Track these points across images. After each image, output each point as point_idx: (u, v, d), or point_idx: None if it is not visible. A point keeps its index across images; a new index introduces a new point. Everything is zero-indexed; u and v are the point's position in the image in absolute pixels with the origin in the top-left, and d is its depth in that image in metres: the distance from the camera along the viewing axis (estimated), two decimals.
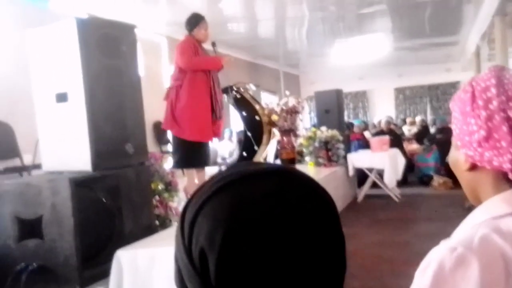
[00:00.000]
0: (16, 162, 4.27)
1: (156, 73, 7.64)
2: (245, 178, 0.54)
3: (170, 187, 2.75)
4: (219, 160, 8.04)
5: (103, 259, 2.25)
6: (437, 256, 0.75)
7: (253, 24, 9.53)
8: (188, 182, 4.03)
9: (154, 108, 4.36)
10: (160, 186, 2.69)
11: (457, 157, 0.87)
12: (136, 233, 2.41)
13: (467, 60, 12.73)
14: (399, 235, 5.02)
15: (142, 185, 2.49)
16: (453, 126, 0.87)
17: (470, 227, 0.78)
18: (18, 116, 5.17)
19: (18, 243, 2.12)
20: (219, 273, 0.50)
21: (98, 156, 2.29)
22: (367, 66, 13.42)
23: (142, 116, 2.56)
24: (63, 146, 2.36)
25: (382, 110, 14.34)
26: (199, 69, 4.23)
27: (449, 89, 14.59)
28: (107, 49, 2.39)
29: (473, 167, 0.83)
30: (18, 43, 5.64)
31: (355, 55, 12.23)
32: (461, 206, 5.82)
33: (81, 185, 2.16)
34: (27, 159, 4.40)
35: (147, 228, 2.51)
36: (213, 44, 4.57)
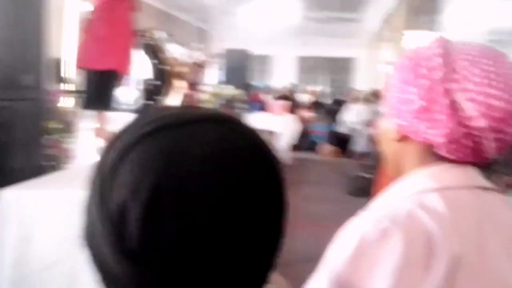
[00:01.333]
0: None
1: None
2: (181, 123, 0.46)
3: (67, 127, 2.61)
4: (123, 106, 7.74)
5: None
6: (360, 228, 0.71)
7: None
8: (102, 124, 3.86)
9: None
10: (57, 126, 2.54)
11: (387, 126, 0.83)
12: (26, 171, 2.27)
13: (368, 39, 13.40)
14: (289, 198, 5.25)
15: (35, 121, 2.34)
16: (389, 94, 0.82)
17: (396, 200, 0.76)
18: None
19: None
20: (141, 232, 0.42)
21: None
22: (275, 31, 13.55)
23: (44, 49, 2.38)
24: None
25: (285, 76, 14.67)
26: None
27: (347, 64, 15.35)
28: None
29: (403, 138, 0.79)
30: None
31: (265, 18, 12.28)
32: (344, 173, 6.27)
33: None
34: None
35: (37, 168, 2.37)
36: None
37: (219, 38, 14.67)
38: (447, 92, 0.72)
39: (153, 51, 5.16)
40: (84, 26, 4.03)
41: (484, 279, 0.69)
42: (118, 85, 4.39)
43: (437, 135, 0.73)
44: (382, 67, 13.63)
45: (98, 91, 4.15)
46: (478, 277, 0.69)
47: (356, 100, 9.10)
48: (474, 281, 0.68)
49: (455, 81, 0.72)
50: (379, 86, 12.12)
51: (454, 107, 0.72)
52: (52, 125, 2.49)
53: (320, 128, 8.98)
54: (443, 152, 0.75)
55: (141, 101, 6.46)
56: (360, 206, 0.80)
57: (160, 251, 0.42)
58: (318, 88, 12.54)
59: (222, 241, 0.44)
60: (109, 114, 4.36)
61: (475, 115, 0.71)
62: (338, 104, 9.59)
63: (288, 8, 11.68)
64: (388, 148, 0.85)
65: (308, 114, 9.53)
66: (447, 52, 0.76)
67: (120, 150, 0.44)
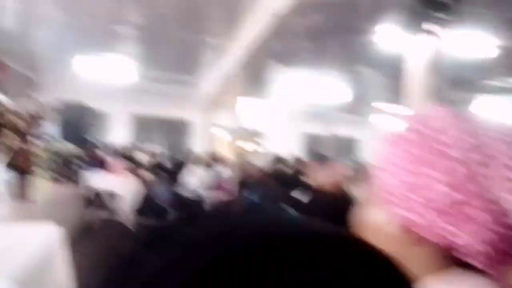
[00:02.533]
0: None
1: None
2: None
3: None
4: None
5: None
6: None
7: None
8: None
9: None
10: None
11: (382, 218, 0.63)
12: None
13: (203, 102, 13.76)
14: None
15: None
16: (384, 175, 0.63)
17: None
18: None
19: None
20: None
21: None
22: (109, 87, 13.07)
23: None
24: None
25: (118, 134, 14.09)
26: None
27: (182, 126, 15.46)
28: None
29: (409, 236, 0.60)
30: None
31: (100, 74, 11.80)
32: None
33: None
34: None
35: None
36: None
37: (49, 89, 13.55)
38: (484, 180, 0.56)
39: None
40: None
41: None
42: None
43: (468, 236, 0.56)
44: (217, 130, 14.05)
45: None
46: None
47: (196, 163, 9.08)
48: None
49: (490, 167, 0.57)
50: (214, 149, 12.40)
51: (492, 200, 0.55)
52: None
53: (161, 191, 8.65)
54: (470, 259, 0.57)
55: None
56: None
57: None
58: (157, 148, 12.26)
59: None
60: None
61: None
62: (178, 166, 9.45)
63: (125, 64, 11.43)
64: (383, 247, 0.67)
65: (148, 175, 9.15)
66: (473, 129, 0.60)
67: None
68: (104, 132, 14.43)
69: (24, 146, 4.51)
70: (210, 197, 7.98)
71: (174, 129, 15.56)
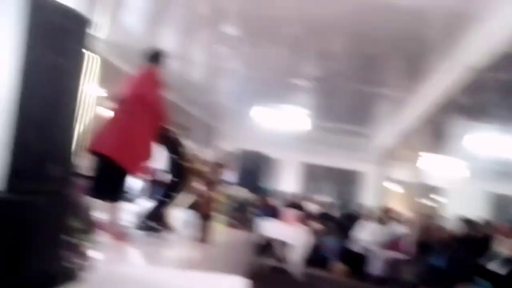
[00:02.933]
0: None
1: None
2: None
3: (87, 227, 2.21)
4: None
5: None
6: None
7: (188, 65, 9.25)
8: (111, 217, 3.56)
9: None
10: (76, 224, 2.13)
11: None
12: (36, 279, 1.84)
13: (377, 154, 13.34)
14: None
15: (58, 219, 1.95)
16: None
17: None
18: None
19: None
20: None
21: (16, 172, 1.74)
22: (282, 136, 13.53)
23: (72, 133, 2.05)
24: None
25: (288, 182, 14.42)
26: (158, 111, 3.99)
27: (354, 177, 15.15)
28: (54, 41, 1.89)
29: None
30: None
31: (273, 122, 12.31)
32: None
33: None
34: None
35: (49, 275, 1.94)
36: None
37: (228, 137, 14.64)
38: None
39: (173, 145, 4.90)
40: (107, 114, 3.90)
41: None
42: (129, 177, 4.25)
43: None
44: (391, 184, 13.46)
45: (109, 181, 3.89)
46: None
47: (369, 217, 8.71)
48: None
49: None
50: (387, 203, 11.85)
51: None
52: (73, 224, 2.09)
53: (330, 243, 8.50)
54: None
55: (155, 196, 6.17)
56: None
57: None
58: (327, 198, 12.20)
59: None
60: (120, 206, 4.02)
61: None
62: (349, 219, 9.21)
63: (299, 114, 11.74)
64: None
65: (318, 226, 9.10)
66: None
67: None
68: (277, 180, 14.90)
69: (208, 192, 4.79)
70: (382, 255, 7.55)
71: (345, 180, 15.38)
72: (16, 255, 1.77)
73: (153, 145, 4.41)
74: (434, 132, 8.15)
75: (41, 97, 1.83)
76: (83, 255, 2.17)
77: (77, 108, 2.04)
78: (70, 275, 2.12)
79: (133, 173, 4.11)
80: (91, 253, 2.23)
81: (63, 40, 1.90)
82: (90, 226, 2.24)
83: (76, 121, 2.06)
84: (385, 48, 6.74)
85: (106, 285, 1.89)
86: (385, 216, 8.55)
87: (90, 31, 2.05)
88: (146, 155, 4.18)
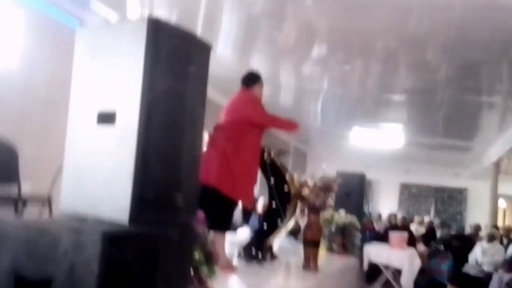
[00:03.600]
0: (12, 190, 3.58)
1: None
2: None
3: (210, 260, 2.10)
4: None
5: None
6: None
7: (276, 89, 9.21)
8: (219, 248, 3.50)
9: None
10: (199, 257, 2.04)
11: None
12: None
13: (481, 169, 12.42)
14: None
15: (184, 252, 1.86)
16: None
17: None
18: (25, 136, 4.60)
19: None
20: None
21: (141, 204, 1.67)
22: (377, 155, 13.06)
23: (198, 161, 1.97)
24: (94, 184, 1.74)
25: (386, 203, 13.85)
26: (273, 126, 4.04)
27: (456, 194, 14.21)
28: (176, 66, 1.83)
29: None
30: (34, 54, 5.18)
31: (367, 142, 11.92)
32: None
33: (112, 244, 1.52)
34: (26, 188, 3.74)
35: None
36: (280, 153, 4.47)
37: (317, 159, 14.42)
38: None
39: (274, 170, 4.77)
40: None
41: None
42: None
43: None
44: (500, 200, 12.44)
45: (224, 214, 3.85)
46: None
47: (484, 237, 8.00)
48: None
49: None
50: (496, 221, 10.92)
51: None
52: (196, 256, 1.99)
53: (441, 266, 7.92)
54: None
55: (256, 224, 6.08)
56: None
57: None
58: (427, 218, 11.51)
59: None
60: (225, 236, 3.95)
61: None
62: (459, 239, 8.55)
63: (391, 132, 11.27)
64: None
65: (425, 248, 8.53)
66: None
67: None
68: (377, 202, 14.37)
69: (313, 218, 4.60)
70: (503, 277, 6.84)
71: (449, 198, 14.48)
72: None
73: (257, 171, 4.35)
74: None
75: (164, 125, 1.77)
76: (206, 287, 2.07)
77: (201, 136, 1.97)
78: None
79: (239, 201, 4.06)
80: (212, 284, 2.12)
81: (186, 66, 1.84)
82: (211, 257, 2.13)
83: (201, 149, 1.98)
84: (488, 52, 6.24)
85: None
86: (505, 234, 7.81)
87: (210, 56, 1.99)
88: (251, 182, 4.12)
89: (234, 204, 3.95)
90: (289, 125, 4.35)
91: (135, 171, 1.67)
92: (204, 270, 2.05)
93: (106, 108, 1.76)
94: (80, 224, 1.55)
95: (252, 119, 3.93)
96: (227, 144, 3.90)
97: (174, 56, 1.80)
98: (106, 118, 1.75)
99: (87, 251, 1.42)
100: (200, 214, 2.10)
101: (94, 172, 1.76)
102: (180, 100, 1.83)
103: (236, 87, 4.39)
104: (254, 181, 4.15)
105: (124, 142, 1.70)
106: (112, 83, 1.78)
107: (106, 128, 1.76)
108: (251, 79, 4.21)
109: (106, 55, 1.80)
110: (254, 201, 4.56)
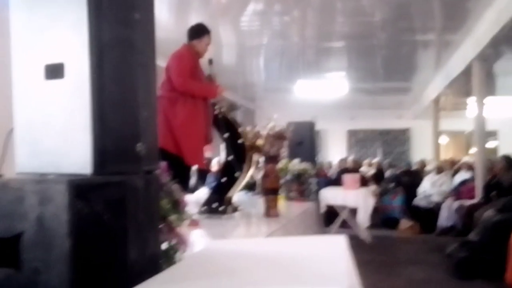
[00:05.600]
0: None
1: None
2: None
3: (178, 207, 2.12)
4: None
5: None
6: None
7: (218, 49, 9.12)
8: None
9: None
10: (166, 205, 2.05)
11: None
12: (139, 265, 1.76)
13: (422, 108, 12.94)
14: (393, 281, 4.60)
15: (151, 199, 1.86)
16: None
17: None
18: None
19: None
20: None
21: (102, 155, 1.65)
22: (322, 105, 13.31)
23: (155, 109, 1.96)
24: (51, 140, 1.70)
25: (335, 150, 14.24)
26: (191, 94, 3.96)
27: (400, 135, 14.81)
28: (120, 13, 1.78)
29: None
30: None
31: (312, 93, 12.09)
32: (439, 252, 5.52)
33: (79, 194, 1.51)
34: None
35: (152, 260, 1.86)
36: (210, 62, 4.33)
37: (265, 116, 14.47)
38: None
39: (226, 124, 4.80)
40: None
41: None
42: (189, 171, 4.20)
43: None
44: (441, 136, 13.07)
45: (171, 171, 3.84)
46: None
47: (439, 170, 8.40)
48: None
49: None
50: (440, 155, 11.51)
51: None
52: (163, 204, 2.00)
53: (392, 202, 8.32)
54: None
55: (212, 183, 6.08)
56: None
57: None
58: (377, 160, 11.96)
59: None
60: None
61: None
62: (408, 175, 8.98)
63: (334, 81, 11.49)
64: None
65: (376, 187, 8.91)
66: None
67: None
68: (326, 149, 14.72)
69: (272, 167, 4.68)
70: (451, 205, 7.30)
71: (393, 139, 15.05)
72: (117, 240, 1.69)
73: (202, 127, 4.33)
74: (485, 73, 7.75)
75: (116, 73, 1.73)
76: (176, 236, 2.10)
77: (155, 84, 1.95)
78: (169, 257, 2.05)
79: (192, 164, 4.07)
80: (182, 232, 2.15)
81: (131, 12, 1.79)
82: (178, 205, 2.15)
83: (156, 96, 1.96)
84: None
85: (209, 262, 1.81)
86: (446, 165, 8.27)
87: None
88: (196, 138, 4.11)
89: (183, 163, 3.95)
90: (209, 91, 4.26)
91: (92, 122, 1.64)
92: (173, 218, 2.07)
93: (53, 61, 1.70)
94: (43, 178, 1.53)
95: (171, 80, 3.93)
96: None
97: (117, 2, 1.75)
98: (54, 71, 1.69)
99: (54, 202, 1.40)
100: (163, 164, 2.10)
101: (49, 129, 1.71)
102: (130, 47, 1.79)
103: (175, 48, 4.32)
104: (200, 138, 4.14)
105: (77, 94, 1.65)
106: (55, 35, 1.71)
107: (55, 83, 1.70)
108: (193, 32, 4.16)
109: (45, 6, 1.72)
110: (205, 159, 4.56)
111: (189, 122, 4.03)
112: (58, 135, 1.69)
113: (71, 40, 1.68)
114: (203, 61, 4.41)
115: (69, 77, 1.68)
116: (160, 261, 1.91)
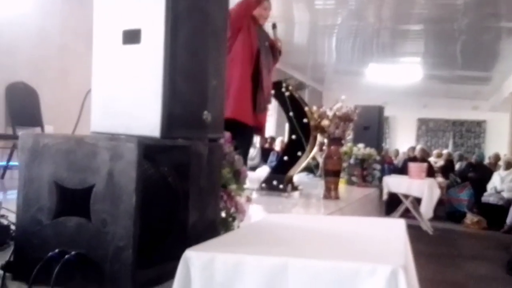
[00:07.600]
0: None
1: None
2: None
3: (239, 177, 2.17)
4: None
5: (160, 257, 1.67)
6: None
7: (290, 27, 9.06)
8: None
9: None
10: (228, 175, 2.11)
11: None
12: (198, 228, 1.84)
13: (500, 100, 12.25)
14: (452, 275, 4.48)
15: (213, 167, 1.92)
16: None
17: None
18: (44, 82, 4.65)
19: (53, 219, 1.53)
20: None
21: (171, 120, 1.72)
22: (393, 91, 12.93)
23: (223, 78, 2.00)
24: (124, 103, 1.79)
25: (403, 138, 13.85)
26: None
27: (474, 127, 14.13)
28: None
29: None
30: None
31: (384, 78, 11.77)
32: (503, 249, 5.29)
33: (147, 154, 1.58)
34: (48, 130, 3.83)
35: (210, 224, 1.93)
36: (274, 26, 4.24)
37: (332, 99, 14.26)
38: None
39: (292, 103, 4.79)
40: None
41: None
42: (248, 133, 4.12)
43: None
44: None
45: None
46: None
47: (508, 165, 7.99)
48: None
49: None
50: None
51: None
52: (224, 173, 2.06)
53: (460, 195, 8.02)
54: None
55: (259, 158, 6.08)
56: None
57: None
58: (444, 151, 11.52)
59: None
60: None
61: None
62: (476, 169, 8.59)
63: (408, 67, 11.11)
64: None
65: (442, 180, 8.61)
66: None
67: None
68: (395, 139, 14.35)
69: (335, 149, 4.64)
70: None
71: (467, 131, 14.38)
72: (179, 201, 1.77)
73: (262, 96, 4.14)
74: None
75: (190, 42, 1.78)
76: (235, 204, 2.15)
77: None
78: (227, 224, 2.11)
79: (236, 117, 3.79)
80: (241, 202, 2.20)
81: None
82: (239, 175, 2.20)
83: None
84: None
85: (266, 231, 1.84)
86: None
87: None
88: (241, 96, 3.91)
89: (235, 123, 3.70)
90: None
91: (163, 88, 1.71)
92: (233, 187, 2.12)
93: (130, 26, 1.78)
94: (115, 137, 1.62)
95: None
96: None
97: None
98: (132, 37, 1.77)
99: (124, 159, 1.49)
100: (227, 134, 2.14)
101: (122, 92, 1.80)
102: (203, 16, 1.84)
103: None
104: (244, 96, 3.93)
105: (151, 60, 1.73)
106: (134, 2, 1.79)
107: (132, 48, 1.78)
108: None
109: None
110: (261, 131, 4.46)
111: (239, 84, 3.86)
112: (130, 98, 1.78)
113: (148, 7, 1.74)
114: (267, 26, 4.33)
115: (145, 43, 1.75)
116: (218, 227, 1.98)
